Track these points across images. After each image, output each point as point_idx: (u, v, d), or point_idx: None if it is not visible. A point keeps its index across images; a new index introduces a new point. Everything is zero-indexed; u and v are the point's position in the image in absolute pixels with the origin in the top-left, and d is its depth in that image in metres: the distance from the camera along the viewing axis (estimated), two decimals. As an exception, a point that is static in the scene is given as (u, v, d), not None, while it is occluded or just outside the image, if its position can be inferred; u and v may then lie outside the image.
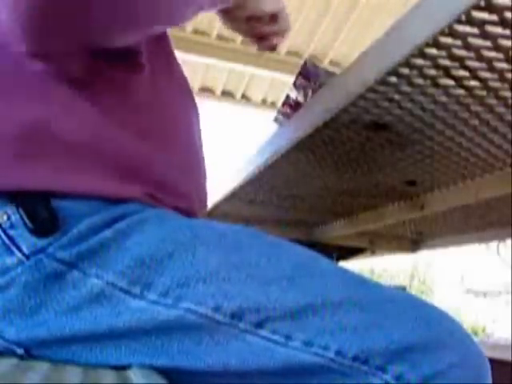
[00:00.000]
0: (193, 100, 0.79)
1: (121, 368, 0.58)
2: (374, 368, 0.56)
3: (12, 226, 0.57)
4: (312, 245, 1.99)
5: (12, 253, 0.56)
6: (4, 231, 0.57)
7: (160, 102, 0.69)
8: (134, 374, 0.55)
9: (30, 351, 0.58)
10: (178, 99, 0.73)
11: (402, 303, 0.60)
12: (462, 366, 0.57)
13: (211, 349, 0.57)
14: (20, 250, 0.56)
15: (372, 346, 0.56)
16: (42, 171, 0.58)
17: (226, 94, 4.41)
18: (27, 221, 0.56)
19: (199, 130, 0.78)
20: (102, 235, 0.57)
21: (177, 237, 0.59)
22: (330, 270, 0.61)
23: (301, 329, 0.56)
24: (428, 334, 0.57)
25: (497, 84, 0.79)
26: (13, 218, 0.57)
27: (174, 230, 0.60)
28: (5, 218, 0.57)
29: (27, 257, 0.56)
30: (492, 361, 0.61)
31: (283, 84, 3.88)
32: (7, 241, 0.56)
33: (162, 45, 0.74)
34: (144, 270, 0.57)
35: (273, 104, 4.35)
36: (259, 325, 0.56)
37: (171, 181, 0.67)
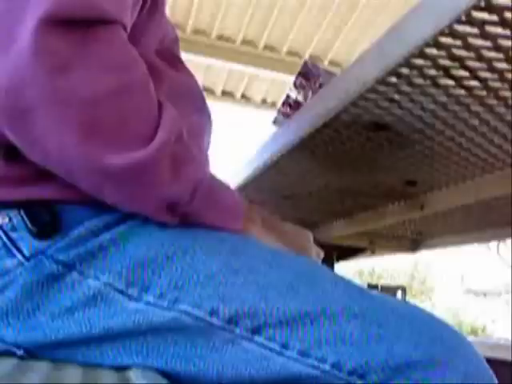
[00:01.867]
0: (204, 109, 0.77)
1: (121, 368, 0.57)
2: None
3: (13, 229, 0.57)
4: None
5: (13, 255, 0.56)
6: (5, 233, 0.57)
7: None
8: (134, 374, 0.55)
9: (29, 352, 0.58)
10: (184, 108, 0.72)
11: (405, 316, 0.58)
12: None
13: (206, 353, 0.56)
14: (21, 252, 0.56)
15: (371, 360, 0.54)
16: (49, 188, 0.58)
17: (226, 94, 4.41)
18: (29, 223, 0.57)
19: (208, 140, 0.76)
20: (101, 238, 0.57)
21: (176, 240, 0.59)
22: (332, 280, 0.60)
23: (298, 338, 0.55)
24: (431, 351, 0.55)
25: (497, 84, 0.79)
26: (14, 220, 0.57)
27: (173, 233, 0.59)
28: (6, 220, 0.57)
29: (27, 259, 0.56)
30: (492, 361, 0.60)
31: (283, 84, 3.87)
32: (8, 243, 0.57)
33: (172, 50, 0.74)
34: (142, 272, 0.57)
35: (273, 104, 4.34)
36: (255, 330, 0.55)
37: None
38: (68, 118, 0.51)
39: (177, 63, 0.74)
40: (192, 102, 0.73)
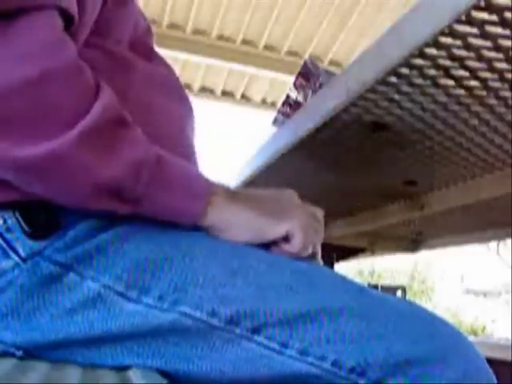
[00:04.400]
0: (184, 100, 0.75)
1: (121, 368, 0.57)
2: (371, 381, 0.54)
3: (8, 230, 0.56)
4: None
5: (9, 256, 0.56)
6: (0, 235, 0.56)
7: (143, 103, 0.66)
8: (134, 374, 0.55)
9: (29, 353, 0.58)
10: (162, 99, 0.69)
11: (405, 314, 0.58)
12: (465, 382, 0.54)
13: (206, 353, 0.56)
14: (17, 253, 0.56)
15: (370, 357, 0.54)
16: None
17: (226, 94, 4.40)
18: (24, 224, 0.56)
19: (193, 130, 0.74)
20: (99, 238, 0.57)
21: (175, 242, 0.59)
22: (331, 279, 0.60)
23: (297, 337, 0.55)
24: (431, 348, 0.55)
25: (497, 84, 0.79)
26: (9, 221, 0.56)
27: (172, 235, 0.59)
28: (1, 221, 0.56)
29: (24, 260, 0.56)
30: (492, 361, 0.60)
31: (283, 84, 3.87)
32: (4, 244, 0.56)
33: (142, 41, 0.72)
34: (141, 274, 0.56)
35: (273, 104, 4.34)
36: (255, 330, 0.55)
37: None
38: None
39: (150, 54, 0.72)
40: (170, 94, 0.71)
